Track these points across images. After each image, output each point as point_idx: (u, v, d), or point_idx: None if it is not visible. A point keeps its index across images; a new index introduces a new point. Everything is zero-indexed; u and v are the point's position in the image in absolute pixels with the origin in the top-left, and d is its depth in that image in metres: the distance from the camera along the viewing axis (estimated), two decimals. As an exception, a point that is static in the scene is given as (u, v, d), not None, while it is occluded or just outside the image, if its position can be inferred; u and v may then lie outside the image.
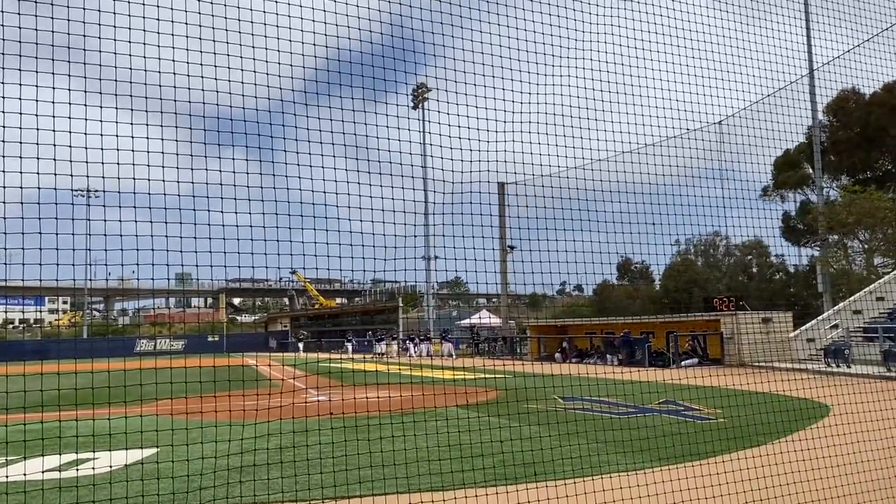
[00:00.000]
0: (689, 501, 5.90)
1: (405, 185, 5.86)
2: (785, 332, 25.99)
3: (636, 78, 7.05)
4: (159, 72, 4.90)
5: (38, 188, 4.56)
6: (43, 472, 6.86)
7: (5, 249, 4.51)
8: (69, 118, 4.62)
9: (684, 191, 7.60)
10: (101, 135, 4.68)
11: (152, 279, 5.11)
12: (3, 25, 4.42)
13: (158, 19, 4.79)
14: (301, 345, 50.67)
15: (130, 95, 4.82)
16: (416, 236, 5.93)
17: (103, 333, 72.04)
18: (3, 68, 4.43)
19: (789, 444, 7.71)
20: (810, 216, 33.99)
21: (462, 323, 52.30)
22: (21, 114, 4.45)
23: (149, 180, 4.90)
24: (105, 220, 4.86)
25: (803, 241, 38.21)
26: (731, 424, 9.75)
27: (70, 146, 4.59)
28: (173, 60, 4.95)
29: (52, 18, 4.53)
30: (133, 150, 4.79)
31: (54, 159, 4.55)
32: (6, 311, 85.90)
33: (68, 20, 4.59)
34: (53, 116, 4.53)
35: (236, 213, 5.13)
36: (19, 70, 4.47)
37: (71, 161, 4.59)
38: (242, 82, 5.27)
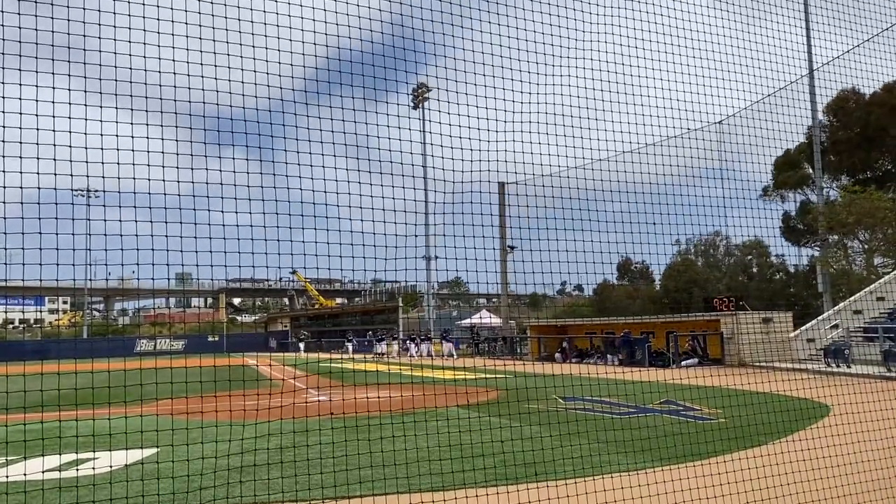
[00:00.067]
0: (690, 501, 5.90)
1: (405, 185, 5.86)
2: (785, 332, 25.99)
3: (636, 78, 7.05)
4: (159, 72, 4.91)
5: (38, 188, 4.57)
6: (43, 472, 6.86)
7: (5, 249, 4.52)
8: (69, 118, 4.62)
9: (684, 191, 7.60)
10: (101, 135, 4.68)
11: (152, 279, 5.11)
12: (3, 25, 4.42)
13: (158, 19, 4.79)
14: (302, 345, 50.68)
15: (130, 95, 4.82)
16: (416, 236, 5.93)
17: (103, 333, 72.04)
18: (3, 68, 4.43)
19: (789, 444, 7.71)
20: (810, 216, 33.99)
21: (462, 323, 52.30)
22: (21, 114, 4.45)
23: (149, 180, 4.90)
24: (105, 220, 4.86)
25: (803, 241, 38.22)
26: (732, 424, 9.74)
27: (70, 146, 4.59)
28: (173, 60, 4.94)
29: (52, 18, 4.53)
30: (133, 150, 4.79)
31: (54, 159, 4.55)
32: (6, 311, 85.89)
33: (68, 20, 4.59)
34: (53, 116, 4.54)
35: (236, 213, 5.13)
36: (19, 70, 4.47)
37: (71, 161, 4.59)
38: (242, 82, 5.27)
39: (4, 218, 4.50)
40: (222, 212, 5.10)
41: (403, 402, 11.10)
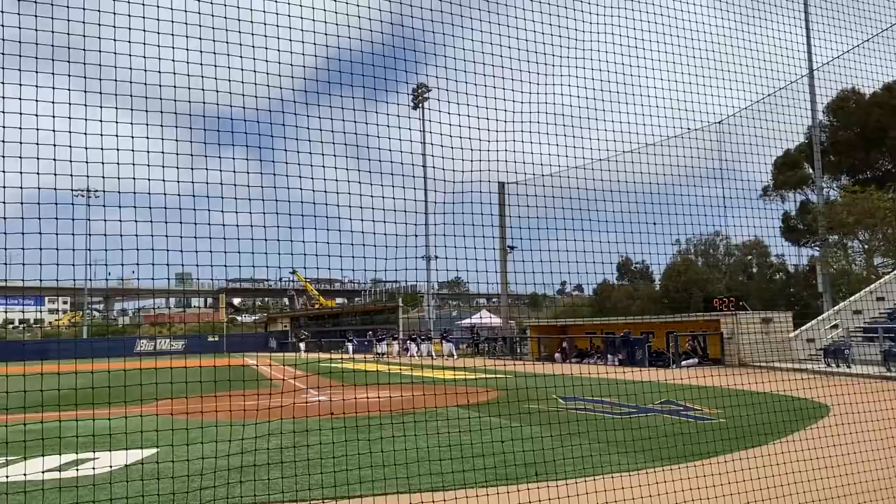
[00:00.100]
0: (690, 501, 5.90)
1: (405, 184, 5.87)
2: (785, 332, 25.98)
3: (636, 78, 7.05)
4: (159, 72, 4.90)
5: (38, 188, 4.57)
6: (43, 472, 6.85)
7: (5, 249, 4.52)
8: (69, 118, 4.62)
9: (684, 191, 7.60)
10: (101, 135, 4.68)
11: (152, 279, 5.10)
12: (3, 25, 4.42)
13: (158, 19, 4.79)
14: (303, 345, 50.72)
15: (130, 95, 4.82)
16: (416, 236, 5.93)
17: (103, 333, 72.02)
18: (3, 68, 4.43)
19: (789, 444, 7.71)
20: (810, 216, 33.99)
21: (462, 323, 52.29)
22: (21, 114, 4.45)
23: (149, 180, 4.90)
24: (105, 220, 4.86)
25: (803, 241, 38.22)
26: (732, 424, 9.75)
27: (70, 146, 4.59)
28: (173, 60, 4.94)
29: (52, 19, 4.53)
30: (133, 151, 4.79)
31: (54, 159, 4.55)
32: (6, 311, 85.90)
33: (68, 20, 4.59)
34: (53, 117, 4.54)
35: (236, 213, 5.13)
36: (19, 70, 4.47)
37: (71, 161, 4.59)
38: (242, 82, 5.27)
39: (4, 218, 4.50)
40: (222, 212, 5.10)
41: (403, 402, 11.10)
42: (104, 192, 4.87)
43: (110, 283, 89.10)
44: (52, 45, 4.55)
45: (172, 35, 4.92)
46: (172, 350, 53.25)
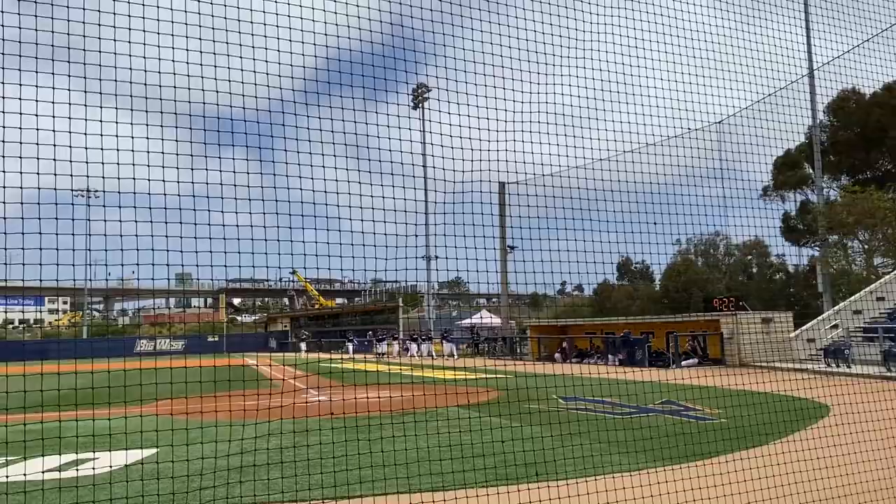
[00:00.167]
0: (690, 501, 5.90)
1: (405, 184, 5.87)
2: (785, 332, 25.97)
3: (636, 78, 7.05)
4: (159, 72, 4.90)
5: (38, 188, 4.57)
6: (43, 472, 6.85)
7: (5, 249, 4.51)
8: (69, 118, 4.62)
9: (684, 191, 7.60)
10: (101, 135, 4.68)
11: (152, 279, 5.10)
12: (3, 25, 4.41)
13: (158, 19, 4.79)
14: (303, 345, 50.74)
15: (130, 95, 4.82)
16: (416, 236, 5.93)
17: (103, 334, 72.00)
18: (3, 68, 4.43)
19: (789, 444, 7.71)
20: (810, 216, 33.99)
21: (462, 323, 52.29)
22: (21, 114, 4.45)
23: (149, 180, 4.90)
24: (105, 221, 4.86)
25: (803, 241, 38.21)
26: (732, 424, 9.75)
27: (70, 146, 4.59)
28: (173, 60, 4.94)
29: (52, 19, 4.53)
30: (133, 151, 4.79)
31: (54, 160, 4.55)
32: (6, 311, 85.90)
33: (68, 20, 4.59)
34: (53, 117, 4.54)
35: (236, 213, 5.13)
36: (19, 70, 4.47)
37: (71, 161, 4.59)
38: (242, 82, 5.26)
39: (4, 218, 4.50)
40: (222, 212, 5.10)
41: (403, 402, 11.10)
42: (104, 192, 4.87)
43: (110, 284, 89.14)
44: (52, 46, 4.55)
45: (172, 35, 4.92)
46: (172, 350, 53.27)
